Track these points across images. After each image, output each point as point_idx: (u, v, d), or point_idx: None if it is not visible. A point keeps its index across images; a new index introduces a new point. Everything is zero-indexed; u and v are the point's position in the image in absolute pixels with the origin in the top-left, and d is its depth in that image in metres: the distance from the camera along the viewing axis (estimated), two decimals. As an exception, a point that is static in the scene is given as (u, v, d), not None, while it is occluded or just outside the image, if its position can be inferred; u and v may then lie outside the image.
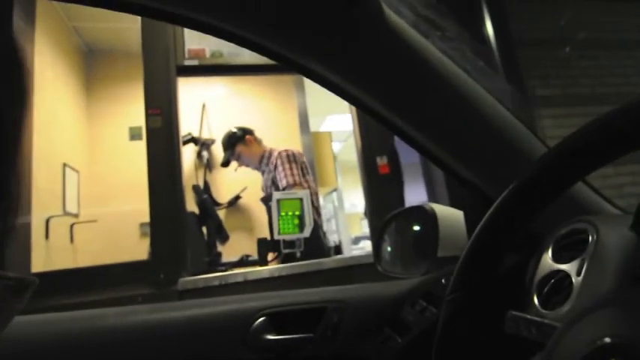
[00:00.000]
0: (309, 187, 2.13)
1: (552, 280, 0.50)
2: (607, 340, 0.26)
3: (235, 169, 2.50)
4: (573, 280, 0.46)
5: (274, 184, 2.14)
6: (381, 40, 0.50)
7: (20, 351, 0.53)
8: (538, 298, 0.50)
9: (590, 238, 0.48)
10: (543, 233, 0.56)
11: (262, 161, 2.30)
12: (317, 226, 2.01)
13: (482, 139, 0.56)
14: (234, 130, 2.35)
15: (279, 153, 2.19)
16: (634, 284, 0.40)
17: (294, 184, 2.03)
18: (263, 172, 2.32)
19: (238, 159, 2.33)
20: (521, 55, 2.64)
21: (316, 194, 2.27)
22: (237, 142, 2.30)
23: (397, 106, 0.54)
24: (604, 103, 2.75)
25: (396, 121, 0.56)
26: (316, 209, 2.16)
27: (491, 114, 0.56)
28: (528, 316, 0.39)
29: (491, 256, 0.40)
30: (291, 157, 2.14)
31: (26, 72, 0.28)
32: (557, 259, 0.51)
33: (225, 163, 2.37)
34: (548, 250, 0.53)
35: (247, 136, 2.31)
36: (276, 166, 2.13)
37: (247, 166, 2.36)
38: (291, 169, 2.09)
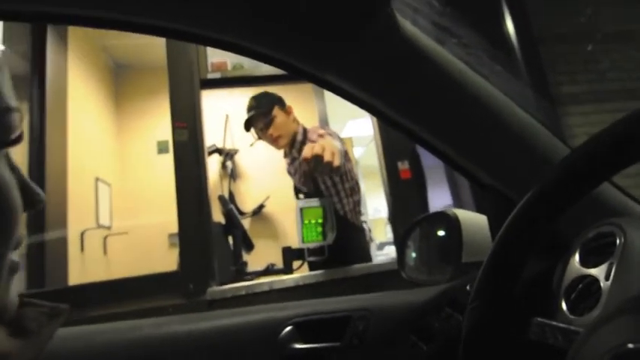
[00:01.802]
0: (351, 177, 1.82)
1: (580, 285, 0.49)
2: (630, 346, 0.26)
3: (252, 144, 2.02)
4: (602, 284, 0.45)
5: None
6: (397, 50, 0.51)
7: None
8: (566, 304, 0.49)
9: (617, 241, 0.47)
10: (570, 237, 0.55)
11: (294, 144, 1.83)
12: (361, 232, 1.87)
13: (502, 143, 0.56)
14: (273, 92, 1.88)
15: (324, 128, 1.83)
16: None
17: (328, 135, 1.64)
18: (293, 160, 1.88)
19: (268, 125, 1.79)
20: (546, 52, 2.58)
21: (358, 195, 1.88)
22: (278, 102, 1.82)
23: (415, 114, 0.55)
24: (635, 98, 2.64)
25: (414, 128, 0.57)
26: (358, 213, 1.85)
27: (510, 117, 0.56)
28: (554, 323, 0.38)
29: (514, 262, 0.40)
30: (333, 133, 1.74)
31: None
32: (584, 263, 0.50)
33: (248, 122, 1.83)
34: (575, 255, 0.52)
35: (288, 106, 1.86)
36: (322, 137, 1.66)
37: (272, 141, 1.82)
38: (332, 131, 1.73)
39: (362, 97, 0.56)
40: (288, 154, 1.92)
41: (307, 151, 1.23)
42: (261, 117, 1.80)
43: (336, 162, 1.24)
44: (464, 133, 0.57)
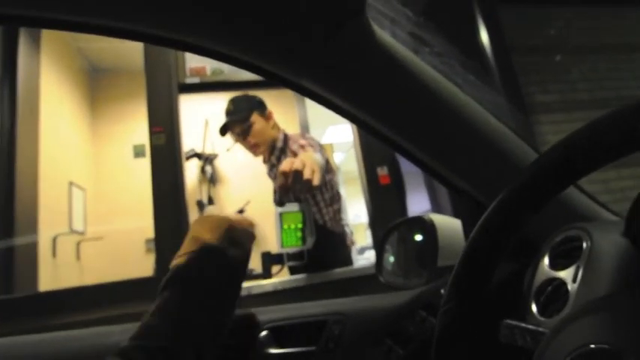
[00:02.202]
0: (331, 187, 1.77)
1: (549, 288, 0.51)
2: (592, 346, 0.26)
3: (228, 149, 1.96)
4: (569, 287, 0.47)
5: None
6: (372, 57, 0.51)
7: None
8: (536, 306, 0.51)
9: (584, 245, 0.49)
10: (540, 240, 0.56)
11: (273, 152, 1.76)
12: (342, 237, 1.84)
13: (474, 149, 0.58)
14: (254, 95, 1.79)
15: (306, 136, 1.75)
16: (627, 290, 0.41)
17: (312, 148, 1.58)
18: (272, 167, 1.80)
19: (245, 132, 1.71)
20: (519, 63, 2.66)
21: (339, 204, 1.83)
22: (257, 107, 1.73)
23: (390, 121, 0.56)
24: (604, 107, 2.75)
25: (389, 134, 0.58)
26: (339, 220, 1.81)
27: (482, 125, 0.58)
28: (522, 325, 0.39)
29: (485, 265, 0.41)
30: (315, 144, 1.68)
31: None
32: (553, 266, 0.52)
33: (224, 128, 1.75)
34: (544, 258, 0.54)
35: (268, 110, 1.77)
36: (303, 147, 1.63)
37: (250, 147, 1.76)
38: (313, 141, 1.67)
39: (337, 103, 0.56)
40: (267, 161, 1.84)
41: (286, 165, 1.14)
42: (239, 123, 1.72)
43: (316, 181, 1.15)
44: (438, 140, 0.58)
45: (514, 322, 0.40)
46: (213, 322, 0.54)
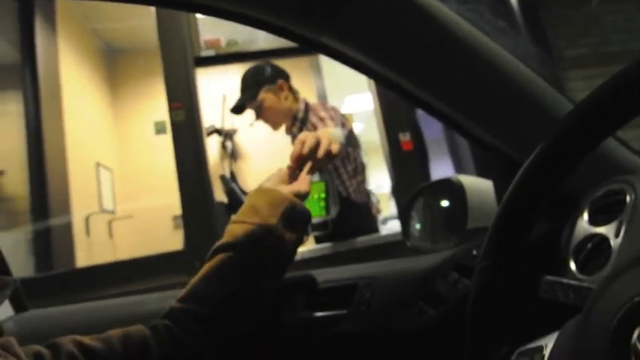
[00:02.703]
0: (354, 158, 1.73)
1: (589, 244, 0.49)
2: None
3: (251, 124, 1.85)
4: (612, 242, 0.45)
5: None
6: (394, 8, 0.48)
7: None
8: (575, 264, 0.49)
9: (627, 199, 0.46)
10: (577, 196, 0.54)
11: (295, 122, 1.68)
12: (367, 206, 1.83)
13: (506, 101, 0.54)
14: (264, 65, 1.70)
15: (325, 105, 1.70)
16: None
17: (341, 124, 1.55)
18: (294, 138, 1.73)
19: (258, 108, 1.67)
20: (546, 15, 2.50)
21: (363, 175, 1.81)
22: (265, 83, 1.64)
23: (415, 75, 0.53)
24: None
25: (414, 90, 0.55)
26: (363, 191, 1.79)
27: (514, 75, 0.54)
28: (565, 280, 0.38)
29: (522, 221, 0.39)
30: (333, 117, 1.63)
31: None
32: (593, 222, 0.49)
33: (237, 109, 1.71)
34: (583, 214, 0.51)
35: (280, 80, 1.66)
36: (322, 120, 1.58)
37: (267, 121, 1.71)
38: (334, 113, 1.63)
39: (359, 59, 0.54)
40: (289, 132, 1.79)
41: (297, 149, 1.09)
42: (249, 102, 1.68)
43: (334, 149, 1.09)
44: (467, 93, 0.55)
45: (556, 278, 0.38)
46: (258, 295, 0.55)
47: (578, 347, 0.26)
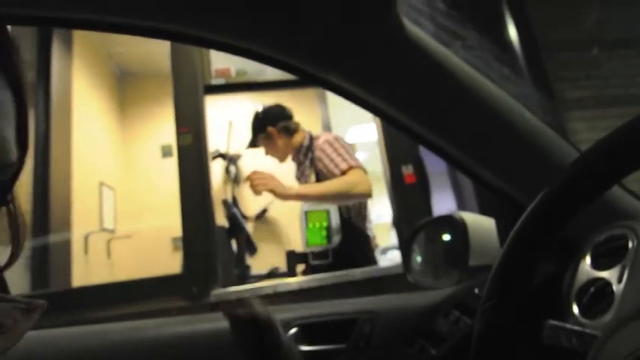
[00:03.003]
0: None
1: (592, 289, 0.48)
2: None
3: (266, 153, 2.02)
4: (614, 287, 0.45)
5: (322, 175, 1.71)
6: (403, 52, 0.50)
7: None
8: (578, 307, 0.49)
9: (630, 244, 0.47)
10: (579, 240, 0.54)
11: (299, 151, 1.84)
12: (367, 237, 1.83)
13: (510, 145, 0.56)
14: (257, 113, 1.89)
15: (325, 135, 1.82)
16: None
17: (352, 167, 1.62)
18: (300, 164, 1.88)
19: (265, 146, 1.91)
20: (548, 58, 2.57)
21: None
22: (258, 132, 1.86)
23: (421, 116, 0.55)
24: (638, 104, 2.63)
25: (420, 131, 0.56)
26: (363, 216, 1.83)
27: (518, 120, 0.56)
28: (568, 326, 0.38)
29: (526, 263, 0.39)
30: (340, 139, 1.76)
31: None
32: (596, 266, 0.49)
33: (253, 143, 1.95)
34: (585, 258, 0.51)
35: (269, 128, 1.82)
36: (322, 150, 1.71)
37: (274, 157, 1.94)
38: (346, 149, 1.70)
39: (366, 98, 0.55)
40: (295, 159, 1.90)
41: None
42: (255, 142, 1.89)
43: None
44: (473, 136, 0.56)
45: (559, 323, 0.38)
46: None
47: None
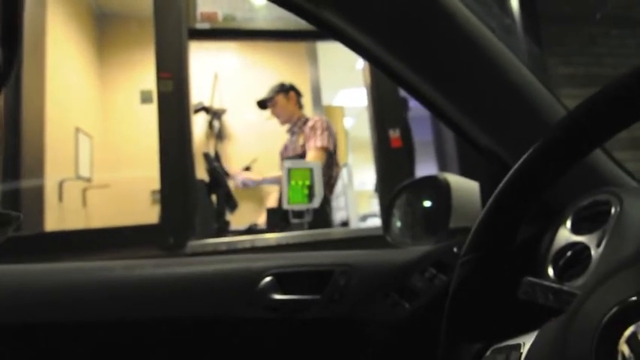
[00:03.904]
0: (336, 162, 2.23)
1: (570, 252, 0.49)
2: (633, 298, 0.24)
3: (267, 118, 2.52)
4: (592, 251, 0.45)
5: (303, 147, 2.19)
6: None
7: (25, 298, 0.53)
8: (553, 270, 0.49)
9: (612, 210, 0.46)
10: (562, 204, 0.54)
11: (296, 123, 2.34)
12: (325, 201, 2.02)
13: (505, 102, 0.54)
14: (285, 82, 2.43)
15: (320, 118, 2.29)
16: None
17: (325, 149, 2.10)
18: (292, 134, 2.36)
19: (273, 106, 2.36)
20: (545, 32, 2.53)
21: (337, 171, 2.31)
22: (281, 91, 2.34)
23: (416, 64, 0.51)
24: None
25: (413, 79, 0.53)
26: (331, 185, 2.20)
27: (515, 76, 0.53)
28: (546, 283, 0.37)
29: (510, 220, 0.39)
30: (330, 126, 2.22)
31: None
32: (576, 230, 0.49)
33: (262, 103, 2.41)
34: (566, 222, 0.51)
35: (291, 92, 2.37)
36: (313, 128, 2.19)
37: (277, 117, 2.40)
38: (329, 135, 2.16)
39: (359, 40, 0.52)
40: (291, 129, 2.36)
41: None
42: (268, 102, 2.35)
43: None
44: (465, 88, 0.54)
45: (536, 280, 0.38)
46: None
47: (560, 347, 0.25)
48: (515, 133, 0.56)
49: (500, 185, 0.40)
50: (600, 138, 0.34)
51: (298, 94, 2.42)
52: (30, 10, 2.08)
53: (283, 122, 2.40)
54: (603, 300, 0.25)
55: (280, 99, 2.34)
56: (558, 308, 0.35)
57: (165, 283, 0.56)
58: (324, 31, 0.53)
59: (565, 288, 0.38)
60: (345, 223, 2.71)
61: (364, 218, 5.46)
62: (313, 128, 2.17)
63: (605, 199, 0.50)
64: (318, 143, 2.10)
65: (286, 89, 2.37)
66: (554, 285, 0.37)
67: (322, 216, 1.93)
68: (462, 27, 0.49)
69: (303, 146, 2.19)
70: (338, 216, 2.85)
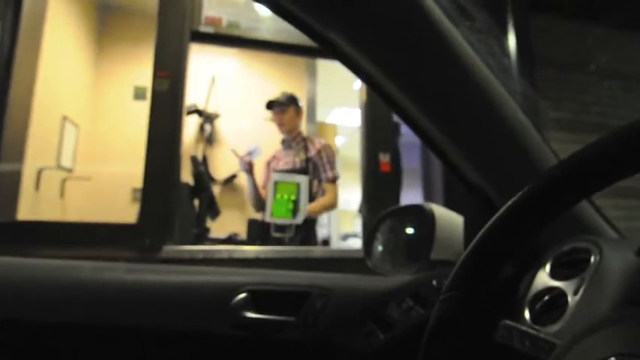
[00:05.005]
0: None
1: (547, 296, 0.48)
2: (612, 359, 0.24)
3: (266, 119, 2.51)
4: (569, 298, 0.45)
5: (303, 162, 2.20)
6: (408, 21, 0.47)
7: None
8: (530, 313, 0.49)
9: (592, 259, 0.47)
10: (541, 248, 0.54)
11: (295, 138, 2.34)
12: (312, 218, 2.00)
13: (497, 141, 0.54)
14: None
15: (326, 144, 2.29)
16: (632, 309, 0.39)
17: (334, 180, 2.14)
18: (288, 147, 2.35)
19: (282, 113, 2.32)
20: (538, 75, 2.61)
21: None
22: (295, 103, 2.35)
23: (413, 92, 0.52)
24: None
25: (409, 107, 0.54)
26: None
27: (509, 116, 0.54)
28: (524, 328, 0.37)
29: (493, 261, 0.38)
30: (334, 154, 2.27)
31: None
32: (554, 275, 0.49)
33: (272, 104, 2.35)
34: (545, 266, 0.51)
35: (301, 107, 2.40)
36: (325, 156, 2.22)
37: (281, 124, 2.35)
38: (334, 162, 2.22)
39: (360, 63, 0.52)
40: (287, 142, 2.34)
41: None
42: (278, 105, 2.28)
43: None
44: (460, 122, 0.54)
45: (514, 324, 0.38)
46: None
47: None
48: (504, 173, 0.56)
49: (486, 226, 0.40)
50: (588, 191, 0.35)
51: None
52: (31, -8, 2.06)
53: (285, 132, 2.36)
54: (582, 357, 0.24)
55: (292, 110, 2.34)
56: (534, 356, 0.35)
57: (135, 290, 0.54)
58: (327, 50, 0.53)
59: (542, 335, 0.37)
60: (325, 242, 2.69)
61: (345, 237, 5.44)
62: (327, 154, 2.21)
63: (585, 247, 0.50)
64: (335, 173, 2.16)
65: (299, 104, 2.39)
66: (530, 331, 0.37)
67: (306, 233, 1.92)
68: (462, 63, 0.50)
69: (305, 162, 2.19)
70: (319, 233, 2.84)
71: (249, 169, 2.17)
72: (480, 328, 0.38)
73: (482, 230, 0.40)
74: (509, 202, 0.39)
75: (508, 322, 0.38)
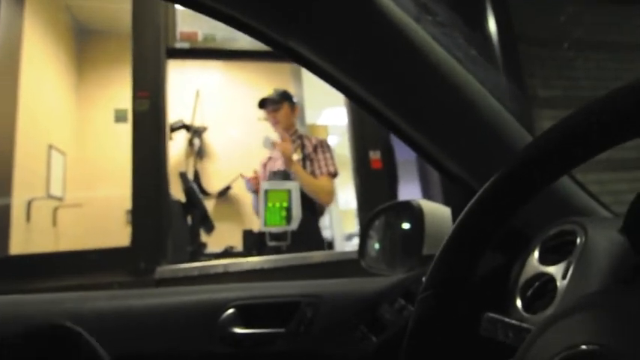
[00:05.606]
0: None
1: (537, 283, 0.48)
2: (582, 347, 0.23)
3: (259, 118, 2.42)
4: (558, 283, 0.44)
5: (309, 160, 2.12)
6: (367, 22, 0.46)
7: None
8: (521, 301, 0.48)
9: (577, 241, 0.46)
10: (531, 234, 0.53)
11: (293, 134, 2.26)
12: (308, 221, 1.95)
13: (471, 130, 0.53)
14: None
15: (323, 140, 2.23)
16: (620, 287, 0.38)
17: (334, 175, 2.07)
18: (292, 141, 2.26)
19: (277, 110, 2.23)
20: (524, 54, 2.60)
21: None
22: (289, 99, 2.26)
23: (383, 94, 0.51)
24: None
25: (384, 111, 0.53)
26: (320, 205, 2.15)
27: (482, 105, 0.53)
28: (506, 319, 0.36)
29: (469, 253, 0.37)
30: (331, 150, 2.18)
31: None
32: (543, 261, 0.49)
33: (264, 102, 2.26)
34: (534, 252, 0.51)
35: (296, 105, 2.31)
36: (321, 152, 2.14)
37: (276, 122, 2.26)
38: (332, 159, 2.14)
39: (327, 69, 0.51)
40: (286, 135, 2.24)
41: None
42: (271, 103, 2.20)
43: None
44: (433, 118, 0.53)
45: (497, 316, 0.37)
46: None
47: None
48: (481, 160, 0.56)
49: (461, 215, 0.39)
50: (564, 167, 0.33)
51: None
52: (6, 22, 2.04)
53: (280, 130, 2.25)
54: (551, 344, 0.24)
55: (286, 106, 2.25)
56: (517, 345, 0.34)
57: (120, 318, 0.53)
58: (292, 58, 0.52)
59: (525, 325, 0.36)
60: (329, 243, 2.68)
61: (349, 237, 5.41)
62: (323, 149, 2.13)
63: (570, 229, 0.49)
64: (332, 169, 2.07)
65: (293, 100, 2.30)
66: (513, 322, 0.36)
67: (307, 238, 1.87)
68: (427, 58, 0.49)
69: (302, 160, 2.09)
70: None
71: (255, 190, 2.08)
72: (464, 323, 0.37)
73: (455, 223, 0.39)
74: (479, 191, 0.38)
75: (491, 314, 0.37)
